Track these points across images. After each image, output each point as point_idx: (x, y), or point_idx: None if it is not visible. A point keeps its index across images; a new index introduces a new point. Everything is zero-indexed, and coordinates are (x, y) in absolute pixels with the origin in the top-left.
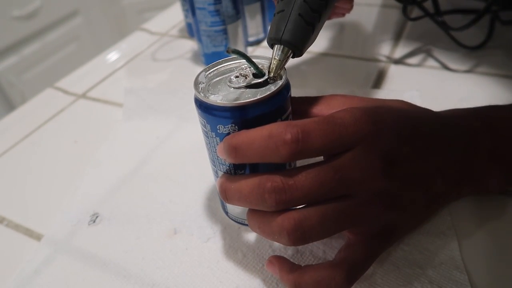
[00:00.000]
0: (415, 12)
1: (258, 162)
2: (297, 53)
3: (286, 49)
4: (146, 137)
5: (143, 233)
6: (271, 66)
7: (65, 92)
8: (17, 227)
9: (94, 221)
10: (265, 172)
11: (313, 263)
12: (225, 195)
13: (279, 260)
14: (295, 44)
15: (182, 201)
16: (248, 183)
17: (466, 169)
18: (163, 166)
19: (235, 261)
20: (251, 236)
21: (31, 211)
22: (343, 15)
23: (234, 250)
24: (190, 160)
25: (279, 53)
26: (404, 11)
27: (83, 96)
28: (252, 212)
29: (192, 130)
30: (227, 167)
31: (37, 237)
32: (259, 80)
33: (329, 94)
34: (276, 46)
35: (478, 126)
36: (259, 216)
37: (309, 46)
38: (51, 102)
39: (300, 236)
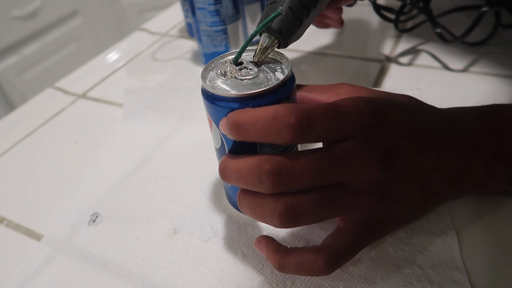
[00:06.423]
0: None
1: (259, 142)
2: (283, 43)
3: (273, 37)
4: (146, 137)
5: (143, 233)
6: (256, 51)
7: (65, 92)
8: (17, 227)
9: (94, 221)
10: (265, 154)
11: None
12: (223, 173)
13: (266, 240)
14: (282, 34)
15: (182, 201)
16: (246, 163)
17: (466, 168)
18: (163, 166)
19: (235, 261)
20: (251, 236)
21: (31, 211)
22: (327, 26)
23: (234, 250)
24: (190, 160)
25: (266, 40)
26: (396, 27)
27: (83, 96)
28: (244, 192)
29: (192, 130)
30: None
31: (37, 237)
32: (255, 69)
33: (337, 83)
34: (264, 34)
35: (482, 126)
36: (251, 197)
37: (295, 40)
38: (51, 102)
39: (291, 218)
